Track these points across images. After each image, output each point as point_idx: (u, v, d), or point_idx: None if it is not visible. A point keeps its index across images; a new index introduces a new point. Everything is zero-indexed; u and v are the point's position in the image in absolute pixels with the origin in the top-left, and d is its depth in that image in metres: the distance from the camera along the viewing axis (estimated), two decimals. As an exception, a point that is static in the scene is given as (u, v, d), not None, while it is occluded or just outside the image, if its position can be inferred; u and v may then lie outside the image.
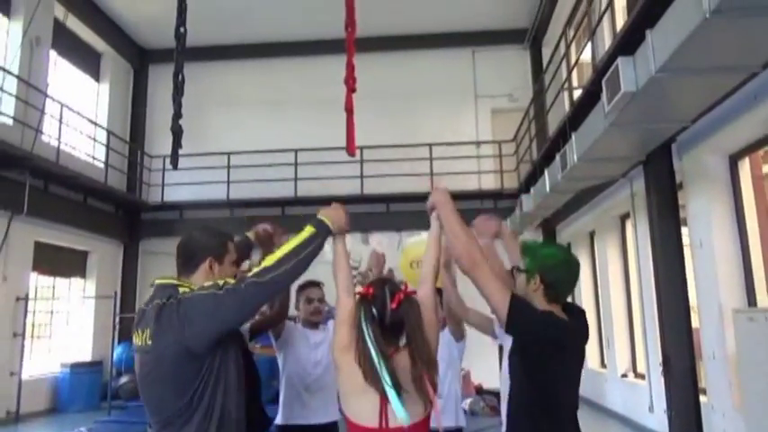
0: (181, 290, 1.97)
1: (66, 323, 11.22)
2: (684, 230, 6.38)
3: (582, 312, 2.13)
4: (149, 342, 1.88)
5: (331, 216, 2.06)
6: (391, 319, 1.78)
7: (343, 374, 1.83)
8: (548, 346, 1.90)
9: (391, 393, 1.66)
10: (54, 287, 10.96)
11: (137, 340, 1.94)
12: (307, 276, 3.43)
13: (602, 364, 9.76)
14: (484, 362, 9.10)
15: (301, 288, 3.45)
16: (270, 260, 1.90)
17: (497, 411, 8.12)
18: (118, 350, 10.97)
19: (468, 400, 9.03)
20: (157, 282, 2.06)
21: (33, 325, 10.13)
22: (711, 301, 5.70)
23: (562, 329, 1.95)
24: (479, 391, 9.65)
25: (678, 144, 6.16)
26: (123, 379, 10.10)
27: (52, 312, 10.88)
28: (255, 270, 1.87)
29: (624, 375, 8.51)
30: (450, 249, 2.14)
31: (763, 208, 5.58)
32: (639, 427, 7.59)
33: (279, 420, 3.32)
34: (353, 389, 1.78)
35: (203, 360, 1.87)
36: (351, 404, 1.81)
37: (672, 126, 5.14)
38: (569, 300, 2.18)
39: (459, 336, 3.41)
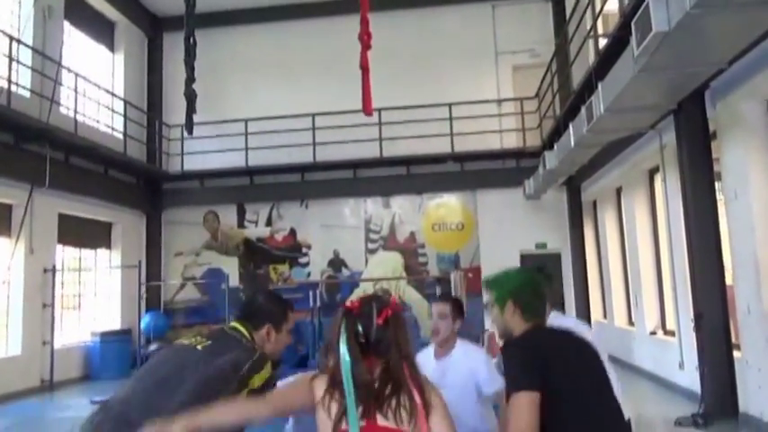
0: (248, 344, 2.13)
1: (95, 294, 11.43)
2: (716, 184, 6.12)
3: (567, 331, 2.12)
4: (198, 347, 2.07)
5: None
6: (377, 335, 1.69)
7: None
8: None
9: (350, 400, 1.60)
10: (80, 258, 11.12)
11: (186, 339, 2.19)
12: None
13: (630, 322, 9.60)
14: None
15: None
16: None
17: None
18: (145, 318, 11.17)
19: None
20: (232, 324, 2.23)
21: (63, 296, 10.34)
22: (747, 254, 5.47)
23: (540, 343, 1.92)
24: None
25: (712, 91, 5.86)
26: (152, 346, 10.28)
27: (80, 283, 11.07)
28: None
29: (653, 333, 8.35)
30: None
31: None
32: (669, 385, 7.46)
33: None
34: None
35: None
36: None
37: (706, 69, 4.84)
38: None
39: None
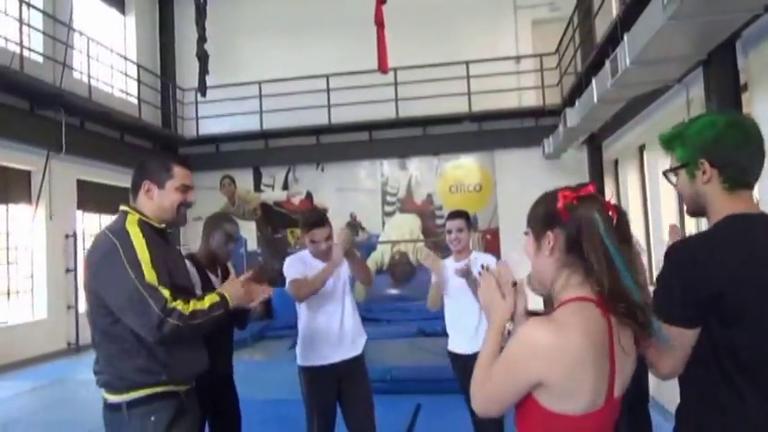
0: (128, 217, 2.05)
1: (116, 258, 11.55)
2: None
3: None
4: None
5: (231, 293, 2.12)
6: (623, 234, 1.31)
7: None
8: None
9: (656, 324, 1.27)
10: (101, 225, 11.22)
11: None
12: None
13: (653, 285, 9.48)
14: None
15: (305, 229, 3.20)
16: (188, 308, 1.95)
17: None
18: (166, 282, 11.29)
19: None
20: (120, 208, 2.13)
21: (85, 261, 10.46)
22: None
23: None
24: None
25: (743, 40, 5.57)
26: (173, 309, 10.43)
27: (101, 248, 11.18)
28: (179, 308, 1.92)
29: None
30: None
31: (841, 106, 5.04)
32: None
33: (304, 362, 3.25)
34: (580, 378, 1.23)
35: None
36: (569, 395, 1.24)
37: (739, 16, 4.58)
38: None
39: None
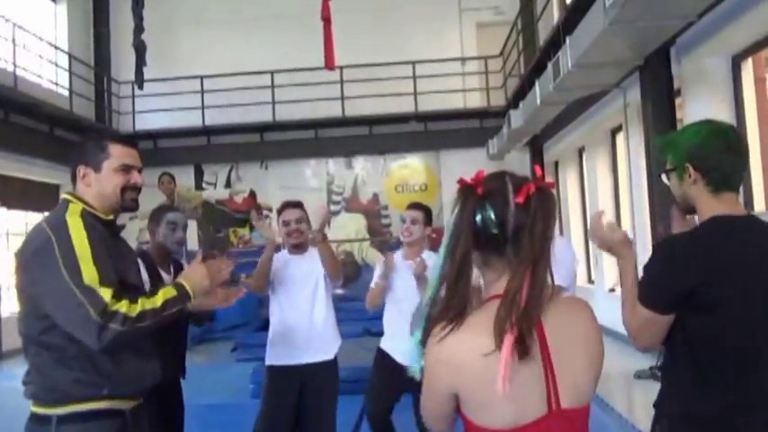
0: (70, 206, 1.79)
1: (44, 259, 10.93)
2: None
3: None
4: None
5: (192, 280, 1.80)
6: (515, 221, 1.09)
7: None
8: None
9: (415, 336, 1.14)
10: (27, 224, 10.57)
11: None
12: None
13: (590, 280, 9.81)
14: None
15: (278, 212, 3.19)
16: (135, 309, 1.66)
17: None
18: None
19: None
20: (61, 196, 1.87)
21: (10, 262, 9.84)
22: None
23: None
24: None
25: (677, 47, 5.83)
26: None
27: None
28: (122, 310, 1.63)
29: (612, 290, 8.53)
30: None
31: (764, 113, 5.34)
32: (628, 340, 7.65)
33: (268, 361, 3.13)
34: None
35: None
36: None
37: (675, 23, 4.79)
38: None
39: None
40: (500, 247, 1.12)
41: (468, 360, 1.06)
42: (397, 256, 3.34)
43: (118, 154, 1.83)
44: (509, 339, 1.02)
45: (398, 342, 3.04)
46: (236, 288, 2.12)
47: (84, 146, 1.88)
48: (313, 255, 3.11)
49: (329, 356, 3.11)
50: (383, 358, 3.28)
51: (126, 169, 1.84)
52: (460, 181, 1.16)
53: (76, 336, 1.65)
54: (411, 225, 3.26)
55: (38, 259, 1.68)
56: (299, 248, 3.16)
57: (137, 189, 1.87)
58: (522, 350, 1.03)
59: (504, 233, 1.10)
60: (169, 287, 1.77)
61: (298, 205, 3.18)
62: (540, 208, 1.09)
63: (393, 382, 3.09)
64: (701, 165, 1.60)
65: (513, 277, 1.08)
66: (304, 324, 3.06)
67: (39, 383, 1.73)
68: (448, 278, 1.12)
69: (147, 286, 2.34)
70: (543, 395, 1.07)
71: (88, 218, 1.76)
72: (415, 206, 3.35)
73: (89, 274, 1.64)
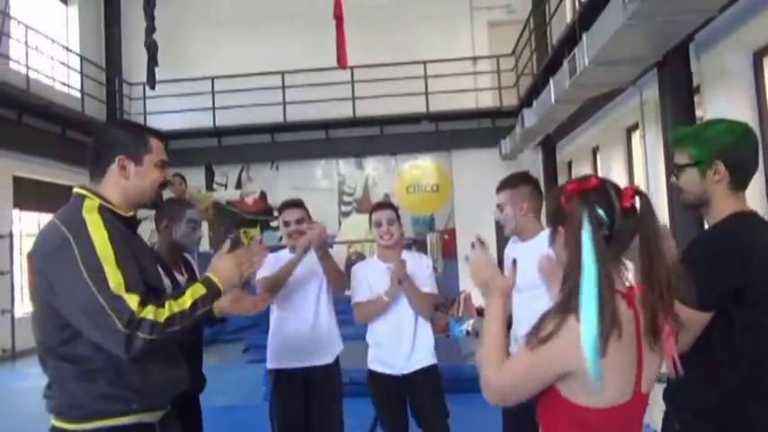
0: (86, 202, 1.64)
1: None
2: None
3: None
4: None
5: (221, 273, 1.67)
6: (621, 224, 1.22)
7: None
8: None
9: (588, 343, 1.14)
10: (39, 225, 10.61)
11: None
12: (305, 202, 3.22)
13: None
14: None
15: (278, 211, 3.17)
16: (163, 314, 1.52)
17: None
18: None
19: (471, 321, 8.98)
20: (74, 190, 1.71)
21: (23, 263, 9.87)
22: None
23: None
24: (480, 312, 9.61)
25: (696, 43, 5.72)
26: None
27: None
28: (150, 317, 1.50)
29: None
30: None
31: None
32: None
33: (270, 364, 3.07)
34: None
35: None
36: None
37: (695, 18, 4.68)
38: None
39: None
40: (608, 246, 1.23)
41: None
42: (374, 260, 3.10)
43: (157, 149, 1.76)
44: (667, 331, 1.22)
45: (390, 352, 2.93)
46: (264, 295, 2.04)
47: (120, 136, 1.73)
48: (314, 255, 3.04)
49: (330, 360, 3.07)
50: (378, 384, 2.97)
51: (163, 165, 1.77)
52: (580, 186, 1.27)
53: (104, 345, 1.53)
54: (389, 226, 2.96)
55: (55, 262, 1.54)
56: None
57: (166, 186, 1.81)
58: (653, 340, 1.22)
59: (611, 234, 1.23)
60: (197, 284, 1.63)
61: (298, 204, 3.14)
62: (647, 211, 1.25)
63: (400, 406, 2.94)
64: (732, 163, 1.62)
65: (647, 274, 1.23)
66: (305, 327, 3.00)
67: (60, 399, 1.60)
68: (601, 273, 1.18)
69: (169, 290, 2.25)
70: (633, 380, 1.22)
71: (107, 214, 1.63)
72: (385, 206, 3.08)
73: (114, 279, 1.50)
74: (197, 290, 1.60)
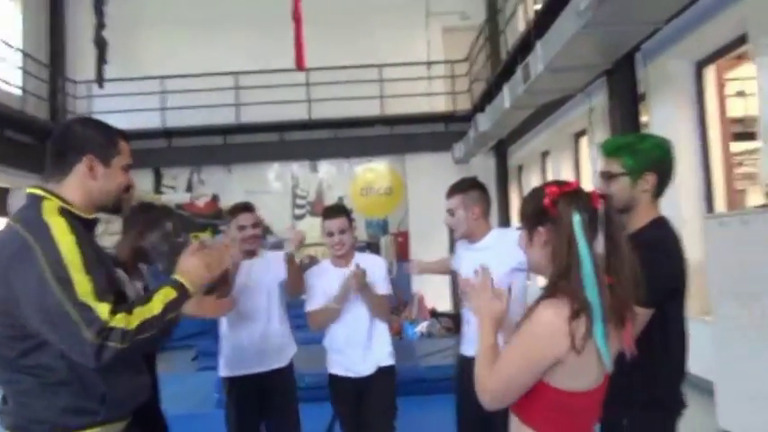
0: (45, 204, 1.54)
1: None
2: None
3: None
4: None
5: (189, 274, 1.59)
6: (593, 223, 1.38)
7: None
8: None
9: (598, 330, 1.28)
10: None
11: None
12: (257, 205, 3.18)
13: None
14: (434, 286, 9.21)
15: (232, 215, 3.04)
16: (133, 321, 1.44)
17: (452, 332, 8.20)
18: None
19: (425, 323, 9.04)
20: (27, 191, 1.61)
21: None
22: (671, 215, 5.66)
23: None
24: (434, 314, 9.69)
25: (643, 53, 5.97)
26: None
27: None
28: (120, 325, 1.42)
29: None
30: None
31: (726, 116, 5.53)
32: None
33: (223, 372, 3.03)
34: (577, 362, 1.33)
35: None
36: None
37: (643, 28, 4.90)
38: None
39: None
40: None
41: (581, 328, 1.29)
42: (327, 265, 3.03)
43: (125, 152, 1.72)
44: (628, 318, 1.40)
45: (348, 356, 2.92)
46: (228, 299, 1.98)
47: (90, 134, 1.66)
48: (264, 260, 3.03)
49: (284, 363, 3.05)
50: (338, 386, 2.97)
51: (128, 169, 1.73)
52: (563, 189, 1.38)
53: (70, 356, 1.45)
54: (341, 235, 2.87)
55: (16, 269, 1.44)
56: (250, 254, 3.03)
57: (128, 190, 1.77)
58: (620, 325, 1.39)
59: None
60: (166, 287, 1.55)
61: (252, 209, 3.09)
62: (611, 212, 1.38)
63: (359, 407, 2.94)
64: (660, 175, 1.83)
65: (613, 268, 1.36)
66: (257, 332, 2.96)
67: (17, 413, 1.51)
68: (597, 267, 1.31)
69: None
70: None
71: (68, 217, 1.54)
72: (336, 213, 2.94)
73: (82, 286, 1.42)
74: (167, 294, 1.53)
